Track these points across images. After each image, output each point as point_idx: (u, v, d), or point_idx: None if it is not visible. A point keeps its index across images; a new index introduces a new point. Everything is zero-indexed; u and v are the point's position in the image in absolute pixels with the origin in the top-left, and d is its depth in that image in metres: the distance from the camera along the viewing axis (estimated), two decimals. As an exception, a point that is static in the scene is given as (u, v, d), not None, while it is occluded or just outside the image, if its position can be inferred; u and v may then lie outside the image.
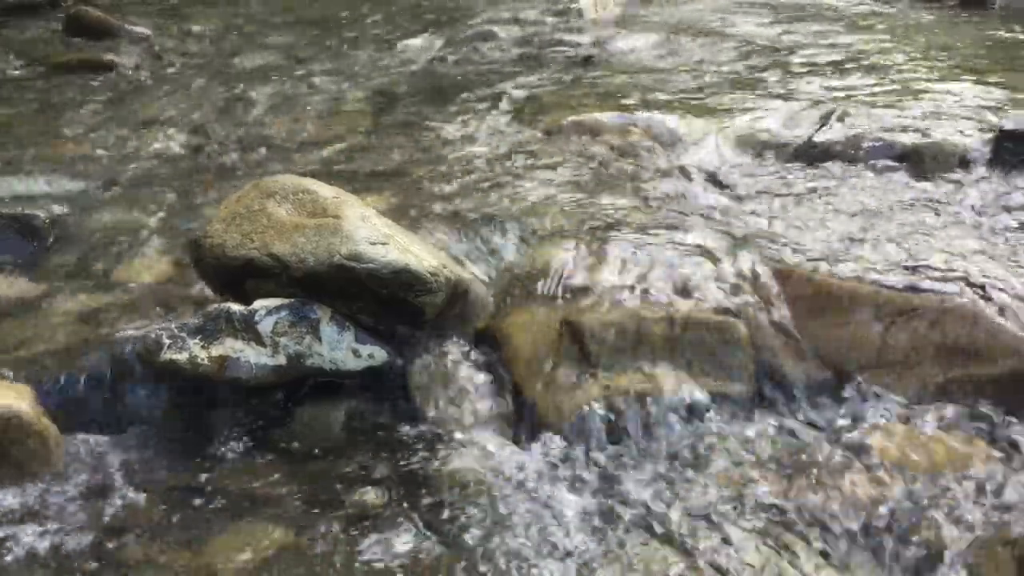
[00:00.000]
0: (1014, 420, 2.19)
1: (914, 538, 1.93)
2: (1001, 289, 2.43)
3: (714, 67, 4.59)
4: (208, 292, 2.58)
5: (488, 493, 2.11)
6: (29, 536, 2.02)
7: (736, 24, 5.57)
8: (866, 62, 4.54)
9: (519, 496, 2.09)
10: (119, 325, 2.55)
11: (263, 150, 3.84)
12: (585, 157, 3.47)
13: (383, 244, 2.37)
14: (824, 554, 1.93)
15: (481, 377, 2.40)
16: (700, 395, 2.29)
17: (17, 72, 5.25)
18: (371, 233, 2.39)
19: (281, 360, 2.33)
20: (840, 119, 3.55)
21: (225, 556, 1.97)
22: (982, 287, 2.43)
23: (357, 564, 1.94)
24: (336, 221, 2.40)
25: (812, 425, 2.26)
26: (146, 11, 6.49)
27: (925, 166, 3.21)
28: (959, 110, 3.62)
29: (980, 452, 2.12)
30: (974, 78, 4.10)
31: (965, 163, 3.19)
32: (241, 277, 2.41)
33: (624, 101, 4.04)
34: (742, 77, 4.38)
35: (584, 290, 2.56)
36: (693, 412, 2.27)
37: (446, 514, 2.05)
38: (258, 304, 2.37)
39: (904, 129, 3.43)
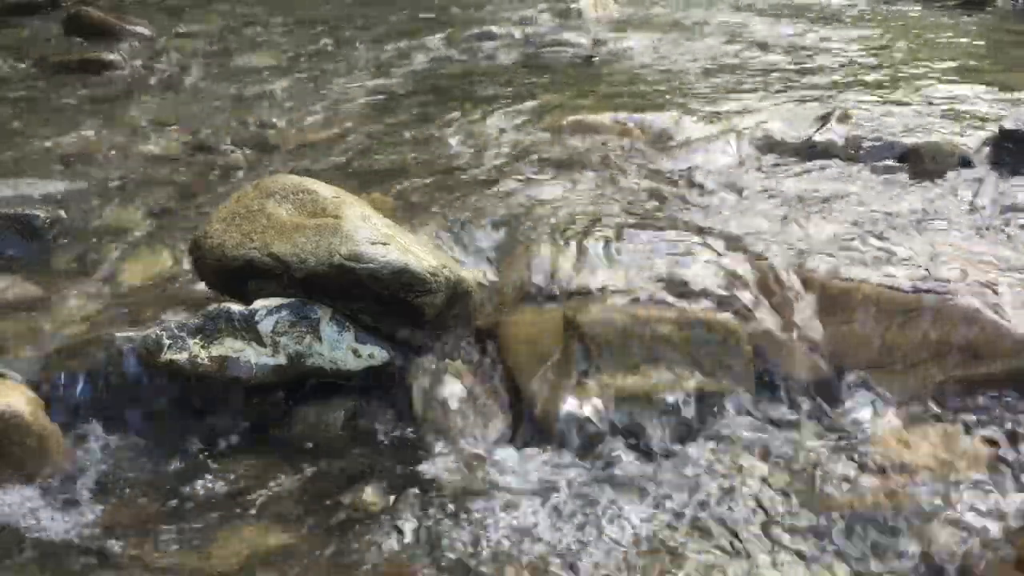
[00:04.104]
0: (1014, 419, 2.19)
1: (915, 537, 1.93)
2: (1001, 289, 2.43)
3: (714, 67, 4.60)
4: (208, 292, 2.58)
5: (488, 493, 2.11)
6: (29, 536, 2.02)
7: (736, 24, 5.58)
8: (866, 62, 4.55)
9: (518, 496, 2.09)
10: (119, 325, 2.55)
11: (263, 150, 3.84)
12: (585, 157, 3.46)
13: (383, 244, 2.37)
14: (823, 554, 1.93)
15: (481, 377, 2.40)
16: (700, 395, 2.29)
17: (17, 72, 5.25)
18: (371, 233, 2.39)
19: (281, 360, 2.33)
20: (840, 119, 3.55)
21: (225, 556, 1.97)
22: (982, 287, 2.44)
23: (357, 564, 1.94)
24: (336, 221, 2.40)
25: (812, 425, 2.26)
26: (146, 11, 6.49)
27: (925, 166, 3.21)
28: (959, 110, 3.63)
29: (981, 451, 2.12)
30: (974, 78, 4.10)
31: (965, 163, 3.19)
32: (241, 277, 2.41)
33: (624, 101, 4.05)
34: (742, 77, 4.38)
35: (584, 290, 2.56)
36: (693, 412, 2.27)
37: (446, 514, 2.05)
38: (258, 304, 2.37)
39: (904, 129, 3.43)
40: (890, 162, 3.26)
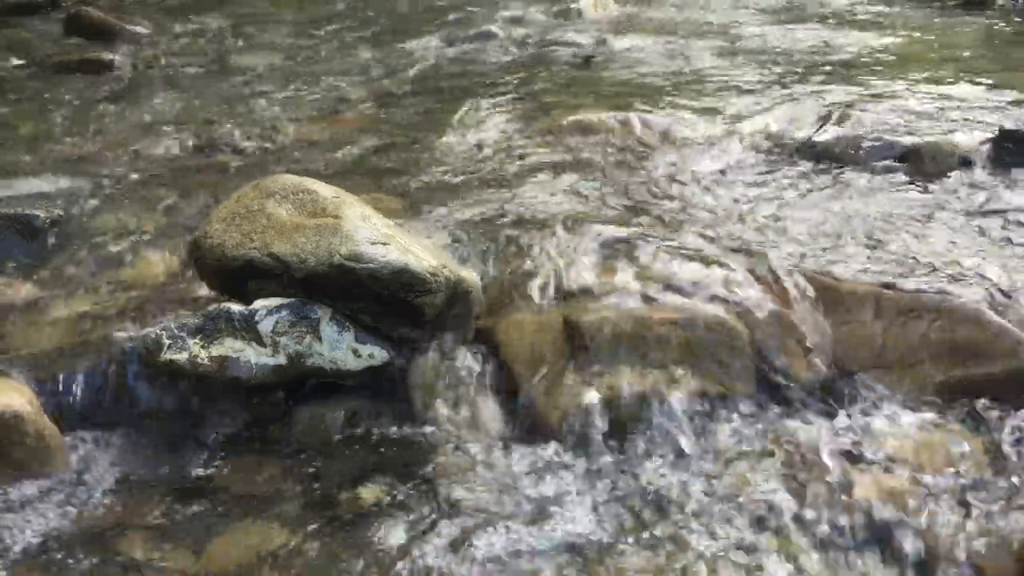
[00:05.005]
0: (1014, 420, 2.19)
1: (914, 538, 1.93)
2: (1001, 289, 2.43)
3: (714, 67, 4.60)
4: (208, 292, 2.58)
5: (487, 493, 2.11)
6: (29, 536, 2.02)
7: (736, 24, 5.58)
8: (866, 62, 4.55)
9: (518, 496, 2.10)
10: (119, 325, 2.55)
11: (263, 150, 3.84)
12: (585, 157, 3.47)
13: (383, 244, 2.37)
14: (823, 554, 1.93)
15: (480, 377, 2.40)
16: (700, 395, 2.29)
17: (17, 72, 5.25)
18: (371, 233, 2.39)
19: (281, 360, 2.33)
20: (840, 119, 3.55)
21: (225, 556, 1.97)
22: (982, 287, 2.44)
23: (356, 564, 1.94)
24: (336, 221, 2.40)
25: (812, 425, 2.26)
26: (146, 11, 6.49)
27: (925, 166, 3.21)
28: (959, 110, 3.62)
29: (980, 452, 2.12)
30: (974, 78, 4.10)
31: (965, 163, 3.19)
32: (241, 277, 2.41)
33: (624, 101, 4.04)
34: (742, 77, 4.38)
35: (583, 290, 2.56)
36: (693, 412, 2.27)
37: (445, 514, 2.05)
38: (258, 304, 2.37)
39: (904, 129, 3.43)
40: (890, 162, 3.26)
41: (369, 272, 2.34)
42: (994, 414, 2.21)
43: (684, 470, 2.15)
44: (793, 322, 2.44)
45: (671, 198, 3.11)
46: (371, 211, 2.53)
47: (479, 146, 3.68)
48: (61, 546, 2.00)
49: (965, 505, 1.98)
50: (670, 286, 2.53)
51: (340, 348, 2.36)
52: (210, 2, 6.83)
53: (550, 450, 2.22)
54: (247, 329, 2.33)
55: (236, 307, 2.36)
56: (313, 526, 2.04)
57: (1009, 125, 3.25)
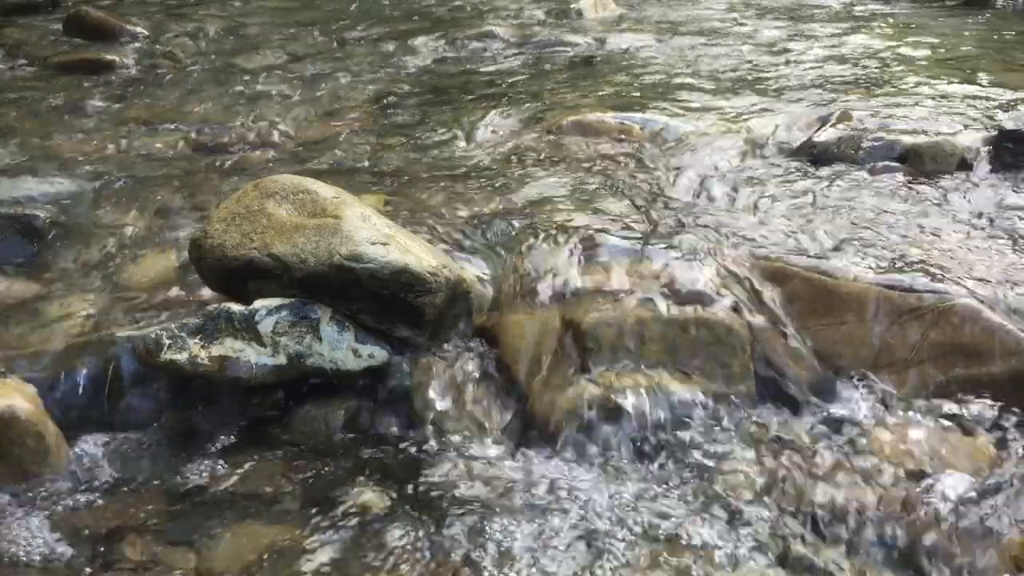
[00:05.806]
0: (1014, 420, 2.19)
1: (913, 539, 1.93)
2: (1001, 289, 2.43)
3: (714, 67, 4.60)
4: (208, 292, 2.58)
5: (487, 493, 2.11)
6: (29, 536, 2.02)
7: (736, 24, 5.58)
8: (866, 62, 4.55)
9: (518, 496, 2.10)
10: (119, 325, 2.55)
11: (263, 150, 3.84)
12: (585, 157, 3.46)
13: (383, 244, 2.37)
14: (823, 554, 1.93)
15: (481, 377, 2.40)
16: (700, 395, 2.29)
17: (17, 72, 5.25)
18: (371, 233, 2.40)
19: (281, 360, 2.33)
20: (840, 119, 3.55)
21: (225, 556, 1.97)
22: (982, 287, 2.44)
23: (356, 564, 1.94)
24: (336, 221, 2.41)
25: (811, 425, 2.26)
26: (146, 11, 6.49)
27: (925, 166, 3.21)
28: (959, 110, 3.62)
29: (980, 452, 2.12)
30: (974, 78, 4.10)
31: (965, 163, 3.19)
32: (241, 277, 2.41)
33: (624, 101, 4.04)
34: (742, 77, 4.38)
35: (583, 290, 2.56)
36: (692, 411, 2.27)
37: (445, 514, 2.05)
38: (258, 304, 2.37)
39: (904, 129, 3.43)
40: (890, 162, 3.26)
41: (369, 272, 2.34)
42: (993, 414, 2.21)
43: (683, 471, 2.15)
44: (792, 322, 2.44)
45: (670, 198, 3.11)
46: (371, 211, 2.53)
47: (479, 146, 3.68)
48: (61, 547, 2.00)
49: (964, 505, 1.99)
50: (669, 285, 2.53)
51: (340, 348, 2.36)
52: (210, 2, 6.83)
53: (550, 449, 2.22)
54: (247, 329, 2.33)
55: (236, 307, 2.36)
56: (313, 526, 2.04)
57: (1009, 125, 3.26)
